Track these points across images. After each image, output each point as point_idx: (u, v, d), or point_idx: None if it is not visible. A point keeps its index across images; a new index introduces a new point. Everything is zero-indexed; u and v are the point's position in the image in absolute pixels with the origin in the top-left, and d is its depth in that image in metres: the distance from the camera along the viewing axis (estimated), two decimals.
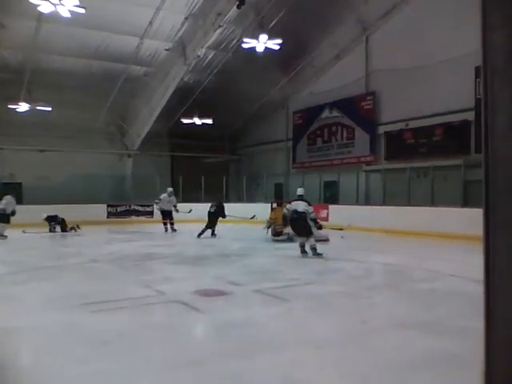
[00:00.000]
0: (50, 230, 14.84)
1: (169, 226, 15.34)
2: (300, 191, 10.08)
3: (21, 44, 15.48)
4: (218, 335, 4.50)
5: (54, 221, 14.96)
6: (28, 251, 10.96)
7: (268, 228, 12.79)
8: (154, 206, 16.64)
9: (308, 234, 9.33)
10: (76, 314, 5.04)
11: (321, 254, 9.20)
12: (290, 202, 10.16)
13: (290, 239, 12.18)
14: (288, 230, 12.23)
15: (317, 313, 5.25)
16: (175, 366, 3.59)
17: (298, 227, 9.54)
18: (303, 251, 9.43)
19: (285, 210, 10.04)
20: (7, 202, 13.12)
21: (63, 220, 15.05)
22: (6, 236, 12.78)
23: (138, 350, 3.95)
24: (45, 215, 15.00)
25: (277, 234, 12.45)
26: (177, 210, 15.20)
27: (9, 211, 13.05)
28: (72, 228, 15.03)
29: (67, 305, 5.43)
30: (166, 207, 15.35)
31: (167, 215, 15.42)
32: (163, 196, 15.43)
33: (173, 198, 15.52)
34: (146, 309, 5.42)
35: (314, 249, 9.26)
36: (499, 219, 1.24)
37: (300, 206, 9.50)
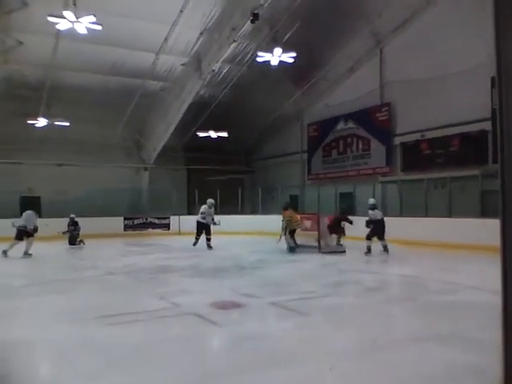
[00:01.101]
0: (64, 232, 15.08)
1: (205, 240, 13.64)
2: (373, 201, 12.48)
3: (39, 61, 15.83)
4: (233, 348, 4.48)
5: (74, 225, 15.15)
6: (44, 264, 11.10)
7: (286, 229, 12.80)
8: (200, 219, 13.95)
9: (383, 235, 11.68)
10: (90, 326, 5.05)
11: (387, 251, 11.48)
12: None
13: (301, 247, 12.36)
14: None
15: (333, 326, 5.20)
16: (190, 379, 3.57)
17: (381, 231, 11.68)
18: (368, 251, 11.48)
19: (371, 217, 11.90)
20: (27, 218, 12.41)
21: (78, 234, 15.22)
22: (31, 254, 11.96)
23: (153, 363, 3.93)
24: (72, 216, 15.27)
25: (291, 232, 12.73)
26: (214, 223, 13.88)
27: (30, 227, 12.29)
28: (80, 241, 15.20)
29: (82, 317, 5.45)
30: (207, 220, 13.86)
31: (205, 228, 13.81)
32: (204, 208, 13.89)
33: (212, 210, 14.08)
34: (161, 321, 5.41)
35: (385, 246, 11.53)
36: None
37: (380, 214, 12.01)
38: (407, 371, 3.65)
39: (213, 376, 3.58)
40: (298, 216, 13.39)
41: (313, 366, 3.83)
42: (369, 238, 11.70)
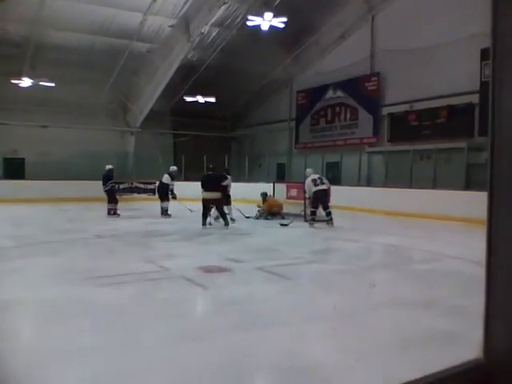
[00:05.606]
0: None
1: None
2: None
3: (25, 18, 15.33)
4: (220, 310, 4.57)
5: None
6: (33, 226, 11.06)
7: (258, 219, 12.99)
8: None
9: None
10: (80, 287, 5.10)
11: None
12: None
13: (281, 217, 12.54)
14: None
15: (318, 290, 5.34)
16: (176, 340, 3.64)
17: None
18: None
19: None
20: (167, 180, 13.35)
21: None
22: (170, 214, 13.07)
23: (141, 323, 4.02)
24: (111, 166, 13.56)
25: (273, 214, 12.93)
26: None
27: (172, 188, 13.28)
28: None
29: (71, 278, 5.50)
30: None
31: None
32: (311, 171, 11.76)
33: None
34: (149, 284, 5.49)
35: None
36: (503, 198, 1.28)
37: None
38: (388, 335, 3.78)
39: (199, 337, 3.67)
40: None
41: (297, 327, 3.95)
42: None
